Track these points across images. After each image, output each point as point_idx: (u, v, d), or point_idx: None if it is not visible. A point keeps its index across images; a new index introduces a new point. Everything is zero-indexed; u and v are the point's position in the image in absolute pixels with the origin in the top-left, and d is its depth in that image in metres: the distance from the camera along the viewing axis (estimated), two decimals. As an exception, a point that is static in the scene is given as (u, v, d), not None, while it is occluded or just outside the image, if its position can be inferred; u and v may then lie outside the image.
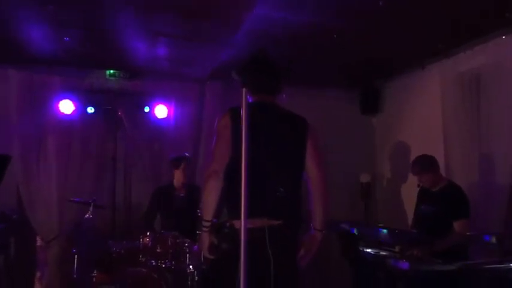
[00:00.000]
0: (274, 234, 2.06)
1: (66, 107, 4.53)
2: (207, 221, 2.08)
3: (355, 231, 3.55)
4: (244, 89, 1.83)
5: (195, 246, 3.35)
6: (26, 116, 4.46)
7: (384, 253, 3.35)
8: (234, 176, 1.90)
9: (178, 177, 4.10)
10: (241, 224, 1.75)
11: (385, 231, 3.26)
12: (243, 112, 1.80)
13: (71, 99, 4.55)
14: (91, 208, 3.63)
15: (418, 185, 3.73)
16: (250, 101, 2.29)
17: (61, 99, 4.53)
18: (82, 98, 4.61)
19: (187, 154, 4.26)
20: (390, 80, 5.28)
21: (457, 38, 3.94)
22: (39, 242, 4.48)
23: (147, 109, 4.78)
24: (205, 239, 2.11)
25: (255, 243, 1.99)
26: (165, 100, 4.82)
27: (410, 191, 4.04)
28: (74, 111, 4.57)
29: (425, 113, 4.74)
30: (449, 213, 3.38)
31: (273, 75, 2.28)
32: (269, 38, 3.76)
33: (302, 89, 5.09)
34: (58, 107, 4.52)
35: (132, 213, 4.76)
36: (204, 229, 2.10)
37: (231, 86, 4.47)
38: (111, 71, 4.78)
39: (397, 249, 3.19)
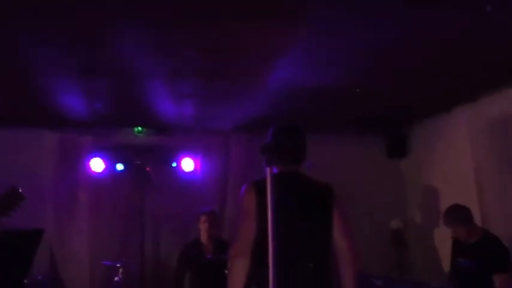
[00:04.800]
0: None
1: (97, 165, 4.67)
2: (236, 299, 2.06)
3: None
4: (268, 168, 1.85)
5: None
6: (59, 176, 4.62)
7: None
8: (261, 252, 1.88)
9: (202, 232, 4.11)
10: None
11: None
12: (269, 190, 1.82)
13: (101, 157, 4.69)
14: (120, 270, 3.65)
15: (452, 237, 3.59)
16: (274, 171, 2.30)
17: (92, 158, 4.68)
18: (111, 155, 4.75)
19: (207, 209, 4.24)
20: (417, 124, 5.22)
21: (483, 83, 3.88)
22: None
23: (174, 164, 4.87)
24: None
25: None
26: (191, 154, 4.90)
27: (444, 236, 3.89)
28: (104, 169, 4.70)
29: (455, 157, 4.63)
30: (488, 267, 3.22)
31: (296, 145, 2.29)
32: (291, 93, 3.83)
33: (326, 136, 5.10)
34: (89, 166, 4.66)
35: (161, 268, 4.76)
36: (233, 307, 2.06)
37: (255, 137, 4.53)
38: (139, 128, 4.93)
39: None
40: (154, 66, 3.27)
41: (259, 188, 2.09)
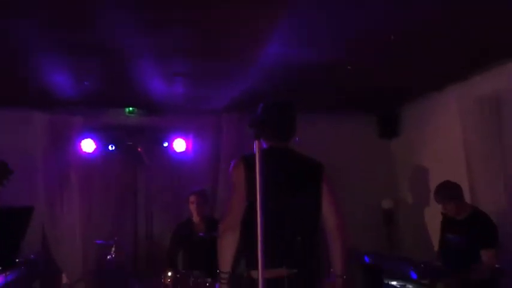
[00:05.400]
0: (293, 283, 2.03)
1: (88, 145, 4.64)
2: (225, 272, 2.08)
3: (378, 264, 3.47)
4: (256, 142, 1.84)
5: (217, 285, 3.32)
6: (49, 156, 4.59)
7: (410, 286, 3.26)
8: (251, 226, 1.90)
9: (192, 212, 4.12)
10: (259, 274, 1.74)
11: (410, 265, 3.16)
12: (258, 164, 1.81)
13: (92, 138, 4.67)
14: (113, 248, 3.67)
15: (442, 213, 3.63)
16: (264, 146, 2.30)
17: (83, 139, 4.65)
18: (103, 136, 4.73)
19: (196, 189, 4.21)
20: (408, 103, 5.22)
21: (473, 62, 3.88)
22: (64, 281, 4.53)
23: (165, 144, 4.85)
24: (224, 290, 2.10)
25: (274, 293, 1.98)
26: (183, 134, 4.89)
27: (434, 215, 3.95)
28: (95, 149, 4.67)
29: (445, 136, 4.66)
30: (476, 242, 3.27)
31: (286, 121, 2.28)
32: (283, 71, 3.80)
33: (319, 115, 5.11)
34: (80, 146, 4.63)
35: (154, 247, 4.78)
36: (222, 281, 2.09)
37: (246, 117, 4.51)
38: (130, 109, 4.89)
39: (425, 282, 3.10)
40: (144, 44, 3.22)
41: (248, 163, 2.09)
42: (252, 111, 2.40)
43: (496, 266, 3.12)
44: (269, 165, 1.99)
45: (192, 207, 4.09)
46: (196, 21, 2.83)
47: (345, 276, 2.21)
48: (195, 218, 4.14)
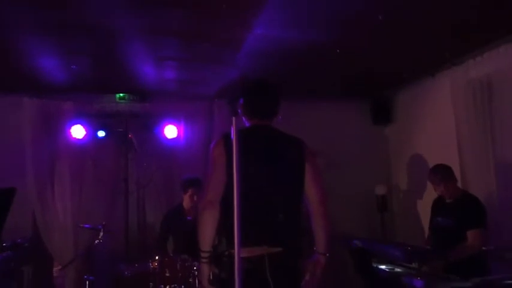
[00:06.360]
0: (274, 262, 2.02)
1: (78, 131, 4.60)
2: (205, 251, 2.06)
3: (367, 248, 3.46)
4: (234, 118, 1.82)
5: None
6: (39, 143, 4.55)
7: (398, 270, 3.25)
8: (231, 204, 1.87)
9: (187, 201, 4.09)
10: (235, 252, 1.72)
11: (398, 249, 3.15)
12: (234, 140, 1.79)
13: (82, 124, 4.61)
14: (101, 233, 3.65)
15: (438, 196, 3.63)
16: (247, 125, 2.28)
17: (73, 125, 4.61)
18: (93, 122, 4.68)
19: (193, 178, 4.14)
20: (401, 89, 5.19)
21: (466, 45, 3.84)
22: (56, 267, 4.53)
23: (157, 130, 4.82)
24: (205, 269, 2.09)
25: (255, 272, 1.97)
26: (174, 120, 4.85)
27: (428, 201, 3.95)
28: (85, 135, 4.63)
29: (438, 121, 4.63)
30: (463, 224, 3.29)
31: (268, 100, 2.25)
32: (272, 55, 3.76)
33: (311, 102, 5.08)
34: (70, 132, 4.59)
35: (146, 234, 4.79)
36: (203, 260, 2.07)
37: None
38: (121, 95, 4.84)
39: (414, 265, 3.09)
40: (135, 25, 3.15)
41: (228, 142, 2.06)
42: (236, 90, 2.38)
43: (483, 248, 3.12)
44: (251, 142, 1.98)
45: (191, 200, 4.02)
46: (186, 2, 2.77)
47: (327, 254, 2.20)
48: (187, 205, 4.10)
